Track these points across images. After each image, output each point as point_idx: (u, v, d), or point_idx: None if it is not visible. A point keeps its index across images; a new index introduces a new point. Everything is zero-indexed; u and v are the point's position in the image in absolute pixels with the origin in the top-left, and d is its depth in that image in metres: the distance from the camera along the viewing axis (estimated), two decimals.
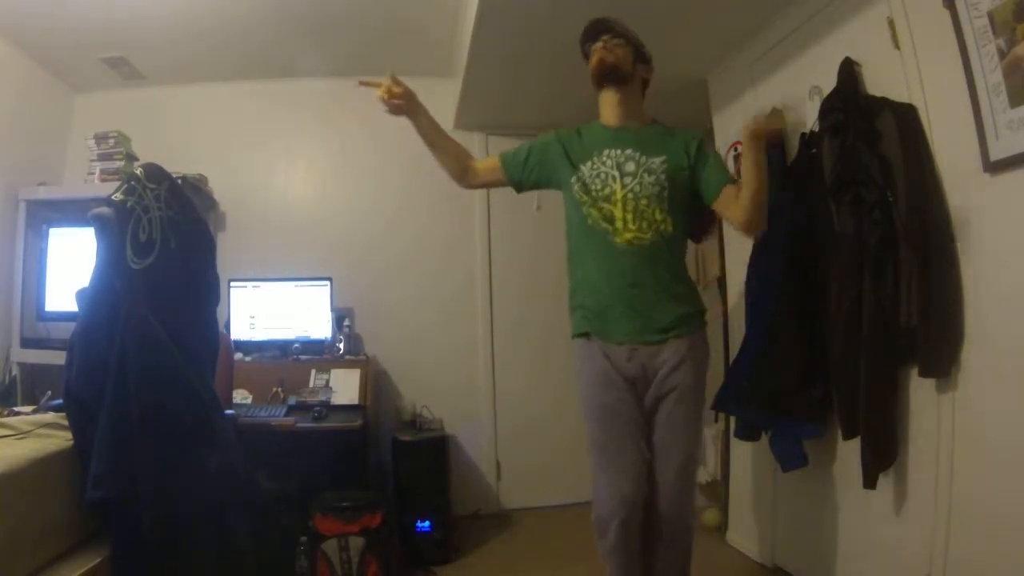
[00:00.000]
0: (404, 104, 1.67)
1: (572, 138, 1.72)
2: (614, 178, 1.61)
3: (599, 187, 1.61)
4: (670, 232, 1.60)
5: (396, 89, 1.64)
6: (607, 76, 1.65)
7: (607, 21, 1.68)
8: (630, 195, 1.58)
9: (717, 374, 2.59)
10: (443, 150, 1.77)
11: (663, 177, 1.60)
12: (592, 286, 1.64)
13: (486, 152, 3.23)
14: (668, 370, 1.57)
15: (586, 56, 1.71)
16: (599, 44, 1.66)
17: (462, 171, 1.79)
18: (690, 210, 1.67)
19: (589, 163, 1.65)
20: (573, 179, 1.66)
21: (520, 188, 1.81)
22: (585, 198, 1.63)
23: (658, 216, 1.58)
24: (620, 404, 1.58)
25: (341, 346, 2.84)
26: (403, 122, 1.71)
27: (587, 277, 1.66)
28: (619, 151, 1.63)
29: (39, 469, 1.35)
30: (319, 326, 2.87)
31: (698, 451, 1.68)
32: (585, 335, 1.65)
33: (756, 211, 1.54)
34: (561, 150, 1.71)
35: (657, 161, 1.61)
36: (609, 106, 1.70)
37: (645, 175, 1.59)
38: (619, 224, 1.59)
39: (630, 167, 1.61)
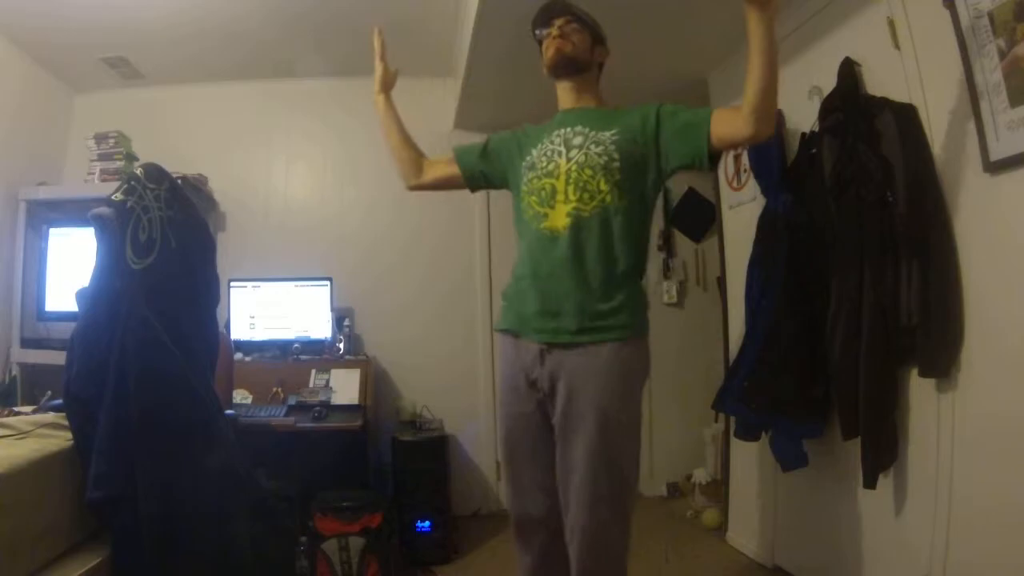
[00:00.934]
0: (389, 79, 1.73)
1: (529, 130, 1.63)
2: (560, 153, 1.48)
3: (544, 163, 1.49)
4: (613, 205, 1.43)
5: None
6: (564, 68, 1.54)
7: (561, 2, 1.56)
8: (574, 166, 1.45)
9: (717, 374, 2.60)
10: (406, 142, 1.72)
11: (612, 148, 1.44)
12: (518, 273, 1.53)
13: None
14: (581, 384, 1.37)
15: (539, 42, 1.58)
16: (553, 30, 1.52)
17: (417, 167, 1.71)
18: (646, 197, 1.49)
19: (539, 145, 1.53)
20: (523, 164, 1.55)
21: (472, 180, 1.69)
22: (531, 181, 1.50)
23: (603, 187, 1.43)
24: (522, 422, 1.47)
25: (341, 346, 2.84)
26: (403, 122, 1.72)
27: (518, 264, 1.54)
28: (569, 129, 1.51)
29: (39, 469, 1.35)
30: (319, 326, 2.87)
31: (622, 488, 1.39)
32: (505, 331, 1.52)
33: (763, 102, 1.29)
34: (516, 141, 1.63)
35: (607, 134, 1.46)
36: (564, 92, 1.59)
37: (592, 146, 1.46)
38: (560, 198, 1.45)
39: (577, 141, 1.48)
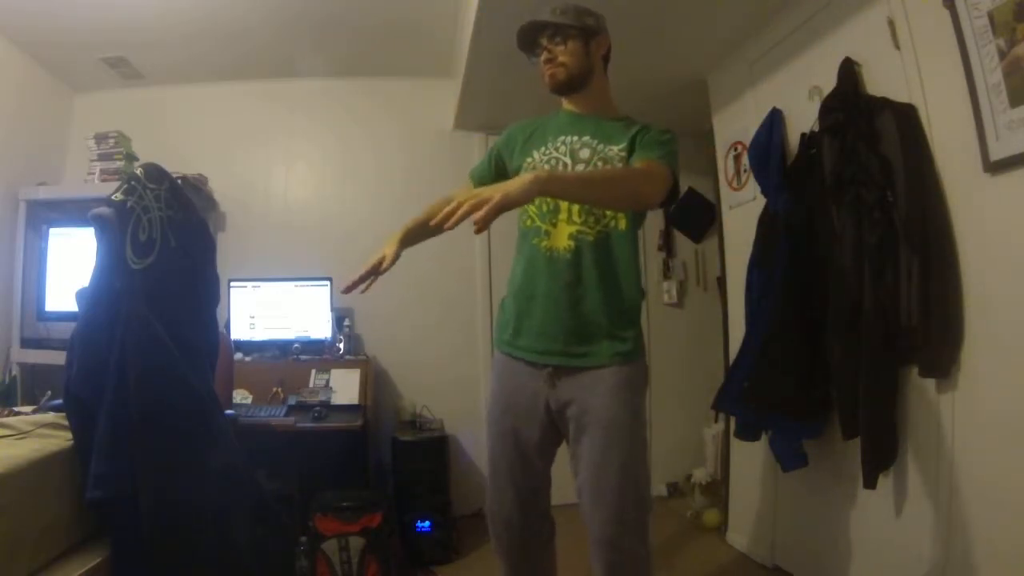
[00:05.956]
0: (400, 249, 1.58)
1: (534, 125, 1.54)
2: (565, 165, 1.41)
3: None
4: (620, 230, 1.40)
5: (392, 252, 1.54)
6: (567, 90, 1.47)
7: (535, 22, 1.45)
8: None
9: (717, 374, 2.60)
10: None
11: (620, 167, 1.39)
12: (516, 287, 1.47)
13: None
14: (591, 399, 1.37)
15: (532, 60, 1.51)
16: (542, 56, 1.45)
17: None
18: (639, 220, 1.46)
19: (543, 148, 1.46)
20: (525, 164, 1.47)
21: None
22: None
23: (608, 211, 1.39)
24: (514, 439, 1.52)
25: (341, 346, 2.84)
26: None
27: (515, 279, 1.49)
28: (575, 137, 1.44)
29: (39, 469, 1.35)
30: (319, 326, 2.87)
31: (639, 492, 1.39)
32: (502, 349, 1.50)
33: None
34: (520, 136, 1.54)
35: (615, 149, 1.40)
36: (574, 98, 1.51)
37: (599, 163, 1.40)
38: (563, 216, 1.40)
39: (584, 154, 1.41)
